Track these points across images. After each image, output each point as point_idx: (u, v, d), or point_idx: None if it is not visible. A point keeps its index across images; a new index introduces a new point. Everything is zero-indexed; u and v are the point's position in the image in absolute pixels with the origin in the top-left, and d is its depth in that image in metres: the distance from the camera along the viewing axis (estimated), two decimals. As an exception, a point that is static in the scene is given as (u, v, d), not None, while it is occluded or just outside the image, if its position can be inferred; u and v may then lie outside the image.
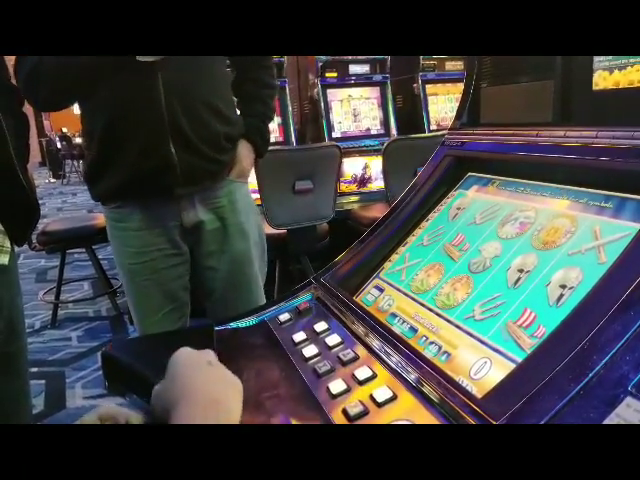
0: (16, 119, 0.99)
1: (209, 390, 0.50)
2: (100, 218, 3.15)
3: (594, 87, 0.69)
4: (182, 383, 0.51)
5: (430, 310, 0.71)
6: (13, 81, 1.06)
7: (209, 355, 0.57)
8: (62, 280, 3.25)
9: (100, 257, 3.48)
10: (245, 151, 1.34)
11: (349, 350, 0.67)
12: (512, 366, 0.54)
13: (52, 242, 2.92)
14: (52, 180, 10.84)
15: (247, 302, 1.34)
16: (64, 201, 8.12)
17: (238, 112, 1.38)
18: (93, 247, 3.24)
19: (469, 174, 0.90)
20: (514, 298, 0.62)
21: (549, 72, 0.77)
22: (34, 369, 2.48)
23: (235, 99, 1.40)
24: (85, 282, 3.82)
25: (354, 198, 3.10)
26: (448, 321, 0.67)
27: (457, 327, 0.65)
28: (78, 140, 10.30)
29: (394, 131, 3.23)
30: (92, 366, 2.51)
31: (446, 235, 0.81)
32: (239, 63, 1.40)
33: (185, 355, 0.56)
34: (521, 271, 0.65)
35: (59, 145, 10.62)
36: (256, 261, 1.37)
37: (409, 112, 3.38)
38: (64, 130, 12.03)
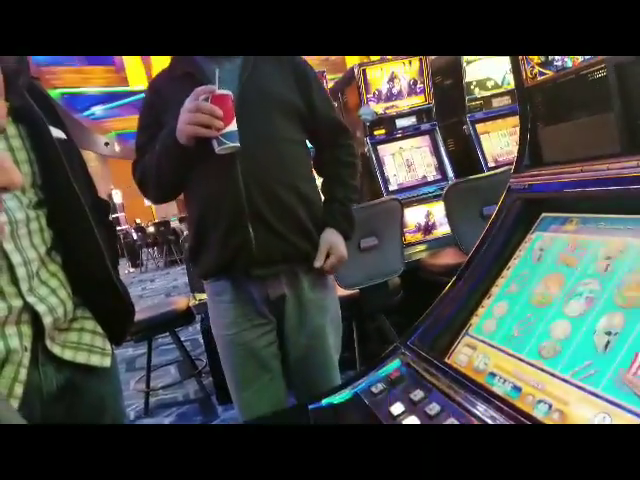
0: (107, 229, 1.08)
1: None
2: (179, 302, 3.28)
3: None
4: None
5: (531, 365, 0.67)
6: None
7: None
8: (151, 367, 3.37)
9: (182, 339, 3.59)
10: (336, 238, 1.37)
11: (452, 419, 0.65)
12: (636, 420, 0.50)
13: (139, 331, 3.05)
14: (131, 270, 11.48)
15: (321, 378, 1.39)
16: (144, 288, 8.55)
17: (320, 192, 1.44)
18: (175, 330, 3.37)
19: (543, 215, 0.87)
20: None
21: (606, 104, 0.76)
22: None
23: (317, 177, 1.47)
24: (171, 366, 3.94)
25: (421, 247, 3.07)
26: (553, 375, 0.64)
27: (564, 381, 0.62)
28: (151, 229, 10.99)
29: (451, 174, 3.21)
30: (188, 451, 2.54)
31: (533, 280, 0.79)
32: (317, 143, 1.44)
33: None
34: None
35: (135, 236, 11.34)
36: (331, 336, 1.40)
37: (463, 154, 3.36)
38: (138, 221, 12.88)
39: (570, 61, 0.79)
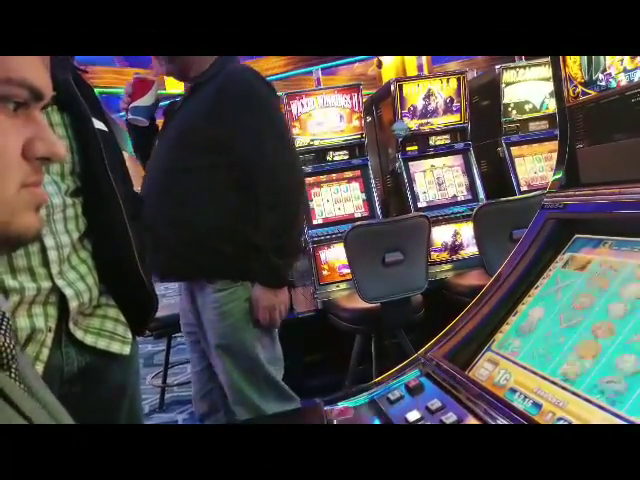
0: (138, 222, 1.10)
1: None
2: (201, 302, 3.31)
3: None
4: None
5: (554, 383, 0.66)
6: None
7: None
8: (168, 364, 3.40)
9: (202, 339, 3.63)
10: (259, 293, 1.39)
11: (470, 429, 0.64)
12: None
13: (160, 328, 3.09)
14: (155, 269, 11.61)
15: (238, 394, 1.46)
16: (166, 287, 8.61)
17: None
18: (195, 330, 3.39)
19: (576, 236, 0.86)
20: (650, 367, 0.57)
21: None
22: (145, 453, 2.55)
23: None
24: (188, 365, 3.96)
25: (447, 267, 3.03)
26: (575, 394, 0.62)
27: (587, 400, 0.61)
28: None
29: (482, 196, 3.18)
30: (198, 449, 2.55)
31: (562, 301, 0.77)
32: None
33: None
34: (653, 336, 0.60)
35: (161, 236, 11.47)
36: (230, 363, 1.42)
37: (496, 176, 3.33)
38: (165, 222, 13.06)
39: (614, 81, 0.78)
